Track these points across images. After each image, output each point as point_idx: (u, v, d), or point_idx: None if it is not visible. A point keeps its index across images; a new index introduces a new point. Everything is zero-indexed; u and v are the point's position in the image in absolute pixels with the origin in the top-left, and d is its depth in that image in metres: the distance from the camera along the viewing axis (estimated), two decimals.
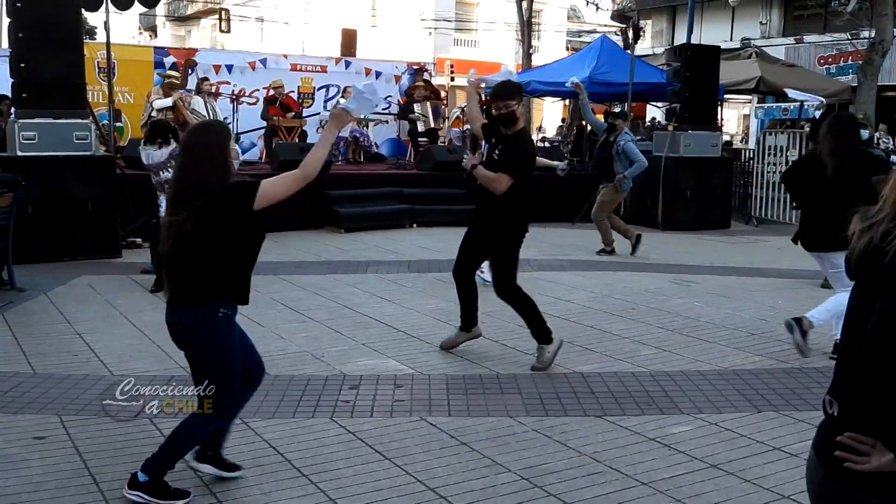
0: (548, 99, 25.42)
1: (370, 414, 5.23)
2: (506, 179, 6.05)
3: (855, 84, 20.20)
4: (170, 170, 8.79)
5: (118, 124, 14.11)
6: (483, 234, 6.35)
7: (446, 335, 6.77)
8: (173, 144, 8.84)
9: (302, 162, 3.89)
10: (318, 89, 19.22)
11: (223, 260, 3.82)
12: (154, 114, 13.84)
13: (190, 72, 16.07)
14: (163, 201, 8.77)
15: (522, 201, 6.29)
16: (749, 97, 26.46)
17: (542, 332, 6.22)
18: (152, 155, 8.69)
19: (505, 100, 6.19)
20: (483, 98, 17.00)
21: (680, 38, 27.58)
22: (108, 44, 12.77)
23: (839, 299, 6.40)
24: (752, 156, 17.05)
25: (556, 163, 11.11)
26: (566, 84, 12.40)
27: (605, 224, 11.53)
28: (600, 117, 23.68)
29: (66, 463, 4.39)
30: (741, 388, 5.72)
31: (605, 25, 38.52)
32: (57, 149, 10.21)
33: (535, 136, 29.68)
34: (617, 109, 15.03)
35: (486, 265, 9.11)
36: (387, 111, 19.15)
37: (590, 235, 11.67)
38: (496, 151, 6.25)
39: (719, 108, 17.74)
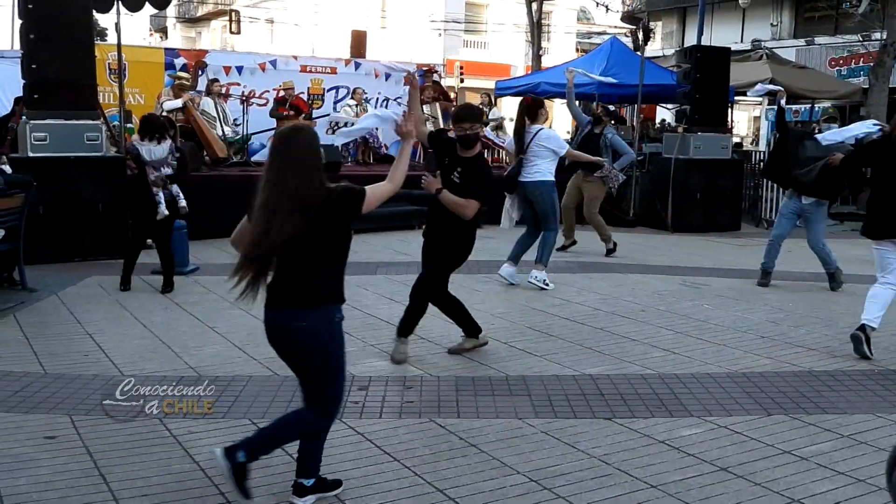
0: (557, 100, 25.35)
1: (379, 415, 5.23)
2: (475, 206, 6.04)
3: (866, 86, 20.15)
4: (169, 165, 8.75)
5: (129, 125, 14.15)
6: (444, 250, 6.34)
7: (455, 336, 6.77)
8: (169, 140, 8.83)
9: (389, 175, 4.11)
10: (328, 90, 19.25)
11: (333, 263, 3.91)
12: (164, 115, 13.91)
13: (200, 73, 16.11)
14: (161, 198, 8.69)
15: (478, 221, 6.36)
16: (759, 99, 26.40)
17: (471, 327, 6.57)
18: (154, 151, 8.65)
19: (471, 121, 6.23)
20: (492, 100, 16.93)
21: (690, 40, 27.56)
22: (118, 45, 12.81)
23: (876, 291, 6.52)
24: (762, 158, 17.01)
25: (601, 160, 10.99)
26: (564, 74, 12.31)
27: (599, 219, 11.51)
28: None
29: (76, 463, 4.41)
30: (751, 391, 5.71)
31: (615, 27, 38.53)
32: (68, 150, 10.25)
33: None
34: (612, 108, 14.97)
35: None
36: (397, 113, 19.17)
37: (598, 237, 11.64)
38: (455, 173, 6.18)
39: (729, 110, 17.73)
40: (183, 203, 8.84)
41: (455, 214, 6.07)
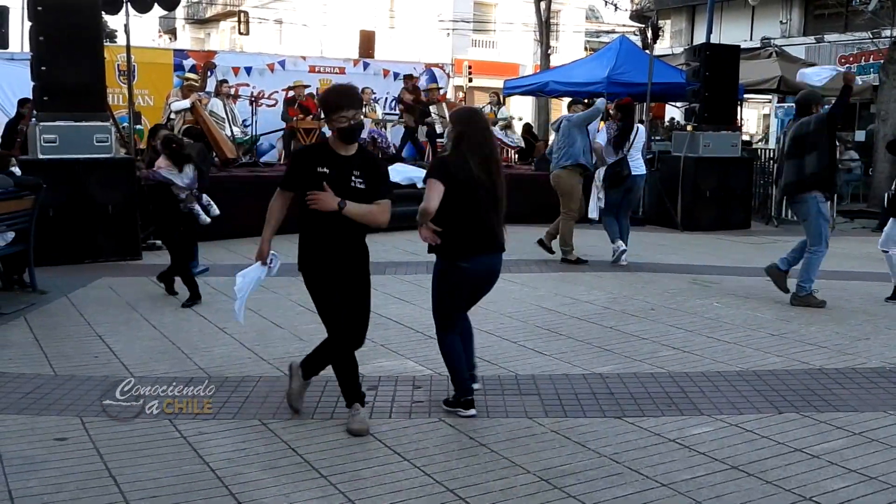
0: (566, 99, 25.30)
1: (389, 415, 5.23)
2: (389, 207, 5.06)
3: (876, 83, 20.06)
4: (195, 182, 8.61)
5: (138, 127, 14.20)
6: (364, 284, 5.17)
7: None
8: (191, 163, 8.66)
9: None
10: None
11: None
12: (172, 116, 13.95)
13: (209, 74, 16.13)
14: (199, 209, 8.59)
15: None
16: (769, 97, 26.32)
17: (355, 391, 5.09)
18: (185, 178, 8.44)
19: (352, 108, 4.94)
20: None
21: (699, 38, 27.48)
22: (128, 47, 12.84)
23: None
24: (772, 156, 16.96)
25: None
26: None
27: None
28: None
29: (87, 464, 4.42)
30: (762, 389, 5.69)
31: (624, 25, 38.45)
32: (78, 152, 10.28)
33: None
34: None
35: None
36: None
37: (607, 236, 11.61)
38: (354, 178, 4.88)
39: (739, 108, 17.66)
40: (215, 210, 8.89)
41: (358, 231, 4.99)
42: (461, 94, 27.00)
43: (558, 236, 10.67)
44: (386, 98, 19.53)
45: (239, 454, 4.55)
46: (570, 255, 10.45)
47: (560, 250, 10.52)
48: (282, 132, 16.74)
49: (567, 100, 22.07)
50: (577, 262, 10.39)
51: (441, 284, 5.25)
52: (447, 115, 17.10)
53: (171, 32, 58.77)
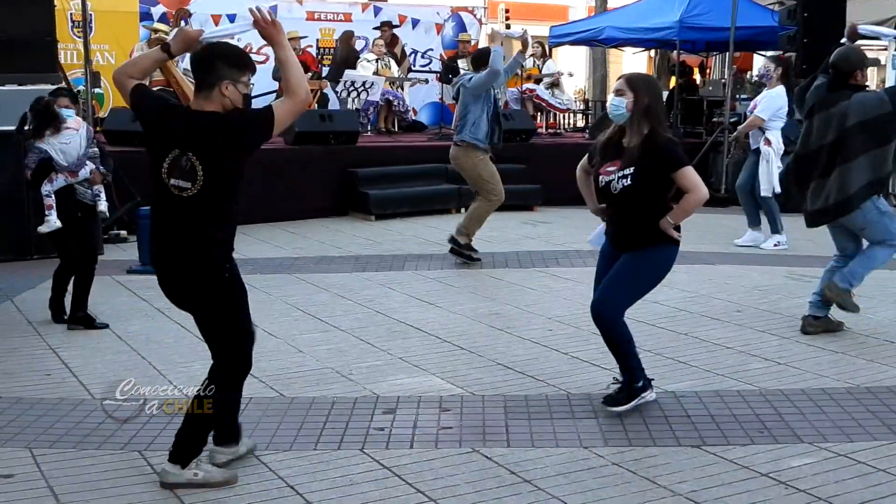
0: (628, 50, 25.19)
1: (410, 445, 5.25)
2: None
3: None
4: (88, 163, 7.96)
5: (97, 90, 14.25)
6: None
7: (503, 346, 6.78)
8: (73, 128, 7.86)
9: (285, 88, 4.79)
10: None
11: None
12: None
13: (183, 24, 16.20)
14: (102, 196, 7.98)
15: None
16: (885, 42, 26.02)
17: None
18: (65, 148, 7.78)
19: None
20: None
21: None
22: None
23: None
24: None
25: None
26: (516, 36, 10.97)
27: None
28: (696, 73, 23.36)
29: None
30: (877, 411, 5.65)
31: None
32: None
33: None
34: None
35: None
36: (426, 69, 19.15)
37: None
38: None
39: None
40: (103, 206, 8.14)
41: None
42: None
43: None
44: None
45: (224, 492, 4.57)
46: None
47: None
48: (275, 94, 16.80)
49: (629, 50, 21.89)
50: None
51: (660, 272, 6.18)
52: None
53: None
